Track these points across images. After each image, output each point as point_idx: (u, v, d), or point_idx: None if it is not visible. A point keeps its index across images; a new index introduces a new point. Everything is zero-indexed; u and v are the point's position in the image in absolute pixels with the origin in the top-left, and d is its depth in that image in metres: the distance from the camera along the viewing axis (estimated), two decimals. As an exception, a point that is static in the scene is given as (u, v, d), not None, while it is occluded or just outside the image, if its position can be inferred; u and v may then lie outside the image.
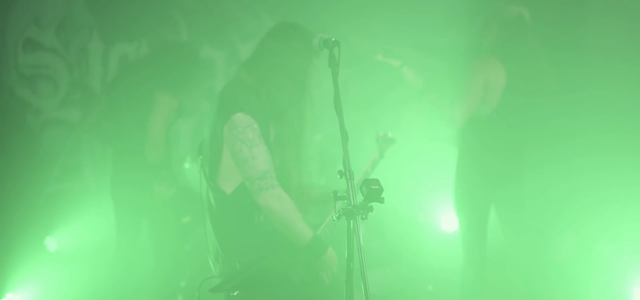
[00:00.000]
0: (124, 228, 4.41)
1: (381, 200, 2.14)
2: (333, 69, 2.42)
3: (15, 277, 4.67)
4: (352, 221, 2.16)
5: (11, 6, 5.31)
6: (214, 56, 6.05)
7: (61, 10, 5.51)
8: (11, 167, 5.02)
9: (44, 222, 5.20)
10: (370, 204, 2.14)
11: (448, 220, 5.33)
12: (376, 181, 2.16)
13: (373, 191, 2.13)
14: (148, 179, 4.21)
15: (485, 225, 4.28)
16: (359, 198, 2.17)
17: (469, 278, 4.33)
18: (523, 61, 4.07)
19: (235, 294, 2.81)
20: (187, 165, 5.05)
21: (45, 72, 5.49)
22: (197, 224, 4.46)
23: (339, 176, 2.22)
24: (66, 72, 5.56)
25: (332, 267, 2.84)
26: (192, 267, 4.79)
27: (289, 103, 2.79)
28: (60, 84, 5.54)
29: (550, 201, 4.91)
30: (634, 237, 4.55)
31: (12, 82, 5.36)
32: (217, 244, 2.88)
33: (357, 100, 5.94)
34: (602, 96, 4.86)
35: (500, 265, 4.74)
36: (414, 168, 5.15)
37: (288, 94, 2.79)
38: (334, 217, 2.22)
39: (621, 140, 4.61)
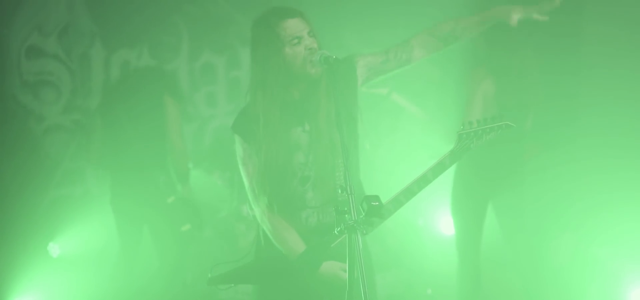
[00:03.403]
0: (125, 236, 4.47)
1: (381, 216, 2.22)
2: (333, 86, 2.48)
3: (19, 283, 4.71)
4: (353, 235, 2.23)
5: (14, 14, 5.36)
6: (214, 61, 6.10)
7: (63, 17, 5.56)
8: (14, 173, 5.07)
9: (47, 227, 5.24)
10: (370, 220, 2.22)
11: (447, 224, 5.38)
12: (376, 197, 2.23)
13: (373, 208, 2.21)
14: (154, 197, 4.30)
15: (481, 227, 4.37)
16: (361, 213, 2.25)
17: (464, 279, 4.40)
18: (510, 61, 4.13)
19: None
20: (190, 165, 5.09)
21: (48, 79, 5.54)
22: (196, 231, 4.53)
23: (340, 192, 2.29)
24: (69, 79, 5.62)
25: (332, 280, 2.77)
26: (193, 271, 4.84)
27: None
28: (63, 90, 5.60)
29: (547, 204, 4.95)
30: (631, 240, 4.59)
31: (15, 89, 5.41)
32: None
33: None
34: (598, 99, 4.91)
35: (497, 267, 4.79)
36: (413, 173, 5.20)
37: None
38: (336, 231, 2.29)
39: (618, 143, 4.65)
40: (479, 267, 4.43)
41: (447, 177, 4.40)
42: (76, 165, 5.65)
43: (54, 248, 5.22)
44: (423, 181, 2.72)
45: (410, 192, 2.72)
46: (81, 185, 5.66)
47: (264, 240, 2.93)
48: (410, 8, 5.67)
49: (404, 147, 5.52)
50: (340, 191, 2.30)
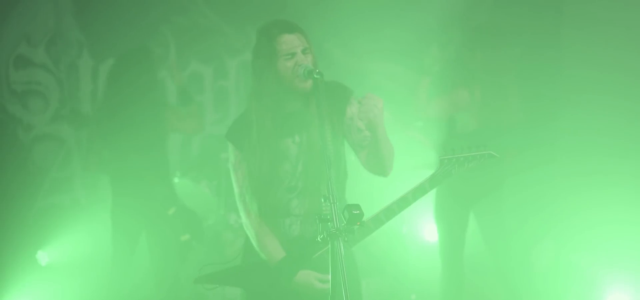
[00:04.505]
0: (119, 246, 4.49)
1: (369, 228, 2.31)
2: (317, 99, 2.57)
3: (7, 292, 4.71)
4: (335, 243, 2.31)
5: (2, 25, 5.40)
6: (201, 71, 6.16)
7: (51, 27, 5.61)
8: (3, 182, 5.10)
9: (36, 236, 5.26)
10: (352, 227, 2.30)
11: (430, 231, 5.45)
12: (358, 206, 2.31)
13: (354, 216, 2.30)
14: (148, 201, 4.35)
15: (464, 233, 4.45)
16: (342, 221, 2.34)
17: (447, 286, 4.48)
18: (489, 68, 4.25)
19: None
20: (176, 180, 5.15)
21: (36, 88, 5.59)
22: (196, 242, 4.58)
23: (322, 200, 2.37)
24: (57, 88, 5.66)
25: (306, 289, 2.84)
26: (179, 278, 4.89)
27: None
28: (51, 99, 5.64)
29: (526, 207, 5.02)
30: (608, 244, 4.67)
31: (3, 99, 5.45)
32: None
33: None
34: (576, 101, 5.01)
35: (480, 273, 4.88)
36: (396, 182, 5.28)
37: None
38: (319, 239, 2.37)
39: (597, 145, 4.73)
40: (462, 274, 4.50)
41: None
42: (64, 174, 5.68)
43: (43, 256, 5.25)
44: (403, 202, 2.81)
45: (391, 211, 2.81)
46: (69, 194, 5.69)
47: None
48: (393, 15, 5.77)
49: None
50: (323, 200, 2.38)
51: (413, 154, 5.01)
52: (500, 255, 4.49)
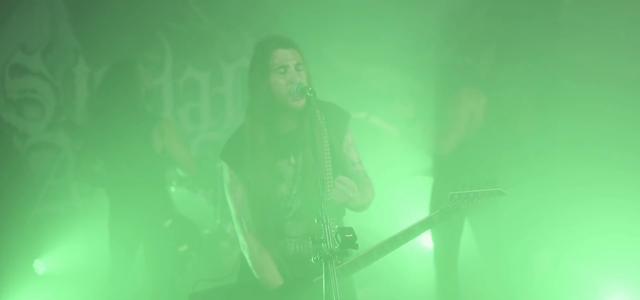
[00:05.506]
0: (116, 257, 4.49)
1: (355, 247, 2.29)
2: (310, 117, 2.55)
3: (5, 301, 4.75)
4: (328, 265, 2.30)
5: (-3, 33, 5.40)
6: (198, 77, 6.15)
7: (47, 35, 5.60)
8: (-1, 191, 5.10)
9: (32, 244, 5.27)
10: (345, 250, 2.29)
11: (427, 238, 5.45)
12: (350, 229, 2.31)
13: (347, 239, 2.29)
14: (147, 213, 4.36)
15: (458, 241, 4.45)
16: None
17: (442, 294, 4.49)
18: (506, 85, 4.23)
19: None
20: (172, 189, 5.14)
21: (32, 96, 5.58)
22: (194, 252, 4.57)
23: (316, 221, 2.36)
24: (52, 96, 5.65)
25: None
26: (176, 289, 4.89)
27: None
28: (47, 107, 5.63)
29: (521, 216, 5.02)
30: (606, 252, 4.67)
31: (-1, 108, 5.46)
32: None
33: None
34: (572, 110, 5.01)
35: (477, 282, 4.87)
36: (394, 191, 5.28)
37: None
38: (312, 260, 2.36)
39: (593, 154, 4.74)
40: (456, 282, 4.50)
41: (427, 192, 4.49)
42: (61, 182, 5.68)
43: (40, 265, 5.24)
44: (410, 234, 2.79)
45: (396, 242, 2.79)
46: (66, 202, 5.69)
47: None
48: (389, 23, 5.77)
49: (385, 163, 5.59)
50: (316, 221, 2.37)
51: (409, 163, 5.01)
52: (498, 264, 4.49)
